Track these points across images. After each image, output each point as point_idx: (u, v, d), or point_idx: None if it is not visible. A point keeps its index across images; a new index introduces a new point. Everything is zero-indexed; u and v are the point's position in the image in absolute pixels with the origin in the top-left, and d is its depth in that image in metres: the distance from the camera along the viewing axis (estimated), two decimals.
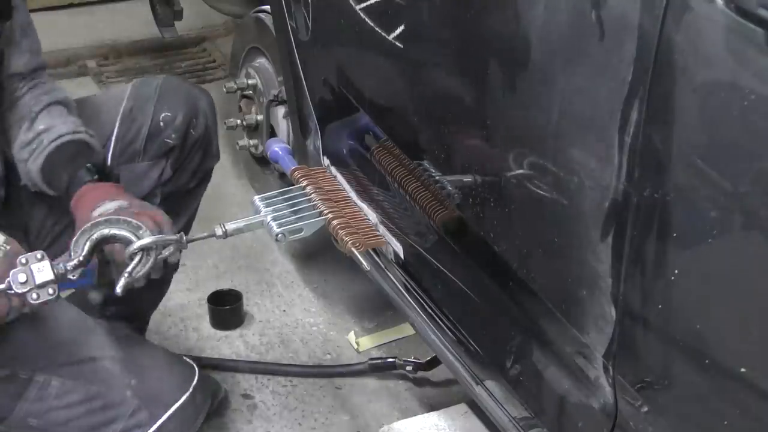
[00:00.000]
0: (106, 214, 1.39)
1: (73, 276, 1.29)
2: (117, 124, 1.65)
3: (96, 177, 1.54)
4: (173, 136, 1.67)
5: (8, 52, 1.56)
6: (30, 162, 1.52)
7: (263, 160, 2.43)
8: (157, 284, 1.83)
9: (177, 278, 1.95)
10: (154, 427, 1.49)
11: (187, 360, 1.62)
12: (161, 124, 1.67)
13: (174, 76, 1.88)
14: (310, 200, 1.61)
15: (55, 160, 1.52)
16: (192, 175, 1.74)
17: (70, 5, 3.61)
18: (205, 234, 1.42)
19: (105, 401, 1.48)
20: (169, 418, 1.50)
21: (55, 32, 3.11)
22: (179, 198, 1.73)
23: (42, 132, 1.52)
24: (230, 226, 1.43)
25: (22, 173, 1.54)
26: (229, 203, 2.56)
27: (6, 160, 1.56)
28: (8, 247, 1.32)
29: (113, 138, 1.65)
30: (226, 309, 2.20)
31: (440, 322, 1.58)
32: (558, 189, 1.20)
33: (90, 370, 1.47)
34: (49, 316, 1.47)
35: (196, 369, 1.59)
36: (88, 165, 1.54)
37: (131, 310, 1.82)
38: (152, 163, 1.67)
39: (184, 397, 1.52)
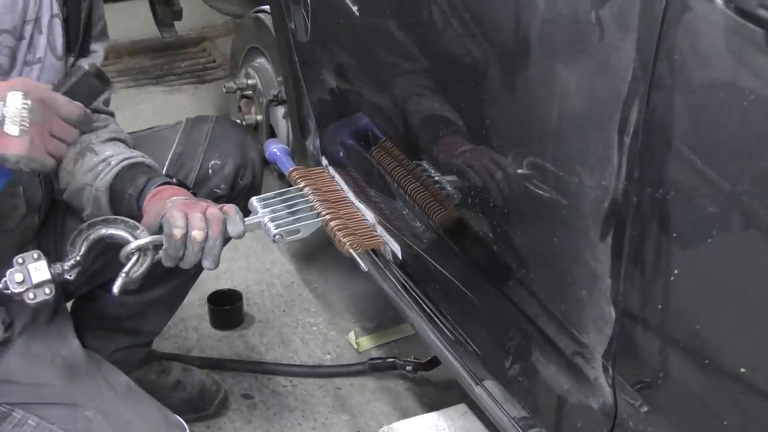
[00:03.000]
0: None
1: (71, 276, 1.29)
2: (165, 168, 1.60)
3: (172, 180, 1.50)
4: (222, 186, 1.64)
5: None
6: (98, 181, 1.48)
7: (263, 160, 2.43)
8: (174, 301, 1.83)
9: None
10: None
11: (180, 420, 1.54)
12: (210, 171, 1.64)
13: (226, 120, 1.83)
14: (307, 201, 1.61)
15: (125, 178, 1.47)
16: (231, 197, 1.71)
17: None
18: None
19: None
20: None
21: None
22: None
23: (109, 157, 1.49)
24: None
25: (85, 199, 1.50)
26: None
27: (50, 189, 1.55)
28: (30, 103, 1.24)
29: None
30: (226, 309, 2.20)
31: (439, 323, 1.58)
32: (557, 189, 1.20)
33: (70, 417, 1.43)
34: (50, 350, 1.46)
35: (187, 430, 1.53)
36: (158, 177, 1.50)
37: (145, 326, 1.82)
38: None
39: None
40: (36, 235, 1.56)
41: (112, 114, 1.61)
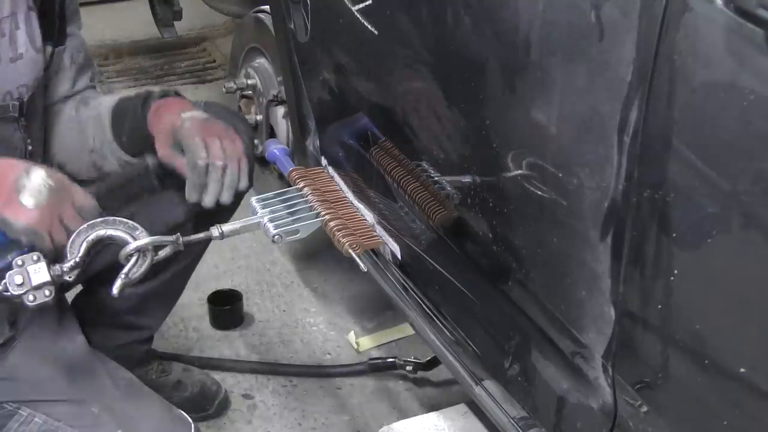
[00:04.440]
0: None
1: (70, 277, 1.29)
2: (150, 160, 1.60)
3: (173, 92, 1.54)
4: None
5: (55, 78, 1.56)
6: (102, 107, 1.53)
7: (262, 161, 2.43)
8: (170, 295, 1.83)
9: None
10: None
11: (184, 415, 1.56)
12: None
13: (214, 102, 1.85)
14: (307, 201, 1.60)
15: (125, 101, 1.53)
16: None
17: None
18: (202, 235, 1.42)
19: None
20: None
21: None
22: (208, 218, 1.71)
23: (112, 97, 1.55)
24: (227, 227, 1.43)
25: (89, 130, 1.54)
26: None
27: None
28: (52, 183, 1.29)
29: (150, 166, 1.62)
30: (226, 309, 2.20)
31: (439, 323, 1.58)
32: (557, 189, 1.19)
33: (76, 413, 1.44)
34: (54, 347, 1.46)
35: (192, 424, 1.55)
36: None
37: (143, 321, 1.82)
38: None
39: None
40: None
41: (92, 86, 1.63)
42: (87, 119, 1.56)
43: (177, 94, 1.54)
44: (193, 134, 1.42)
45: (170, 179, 1.51)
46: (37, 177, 1.26)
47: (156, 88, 1.58)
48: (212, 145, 1.41)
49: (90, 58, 1.64)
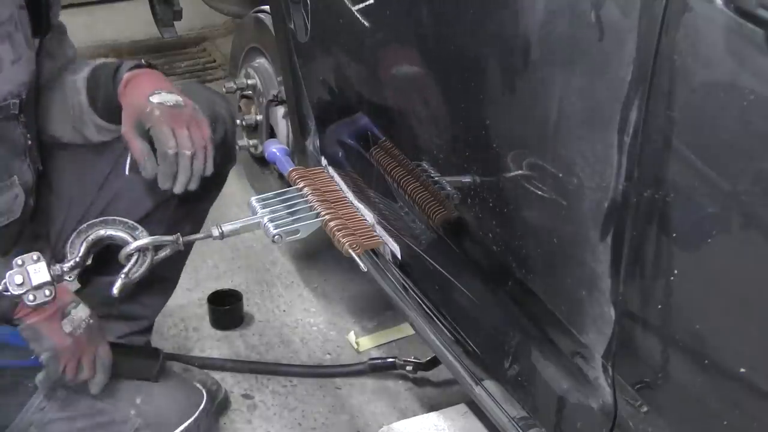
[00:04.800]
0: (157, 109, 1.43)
1: (70, 277, 1.29)
2: None
3: (143, 62, 1.57)
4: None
5: (44, 62, 1.58)
6: (78, 74, 1.56)
7: (263, 161, 2.43)
8: (164, 282, 1.83)
9: None
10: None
11: (197, 385, 1.62)
12: None
13: (195, 83, 1.88)
14: (307, 201, 1.60)
15: (100, 69, 1.56)
16: (207, 177, 1.73)
17: (70, 5, 3.60)
18: (202, 235, 1.42)
19: (108, 418, 1.47)
20: None
21: None
22: (193, 199, 1.72)
23: (89, 64, 1.58)
24: (227, 227, 1.43)
25: (68, 97, 1.57)
26: (228, 203, 2.56)
27: (36, 170, 1.57)
28: (92, 322, 1.41)
29: None
30: (226, 309, 2.19)
31: (439, 323, 1.58)
32: (557, 189, 1.19)
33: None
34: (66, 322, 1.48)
35: (204, 394, 1.59)
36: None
37: (138, 310, 1.83)
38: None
39: (188, 422, 1.52)
40: (31, 217, 1.58)
41: (63, 28, 1.65)
42: (67, 84, 1.58)
43: (149, 65, 1.56)
44: (161, 123, 1.45)
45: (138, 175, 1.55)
46: (83, 312, 1.40)
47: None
48: (180, 135, 1.44)
49: (71, 42, 1.68)
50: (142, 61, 1.57)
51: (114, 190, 1.64)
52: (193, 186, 1.47)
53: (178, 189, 1.46)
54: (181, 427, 1.51)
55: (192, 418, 1.52)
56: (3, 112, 1.43)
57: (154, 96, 1.46)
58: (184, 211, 1.65)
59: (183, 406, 1.54)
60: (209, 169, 1.48)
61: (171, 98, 1.47)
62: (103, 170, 1.64)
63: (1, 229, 1.48)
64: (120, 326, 1.81)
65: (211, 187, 1.74)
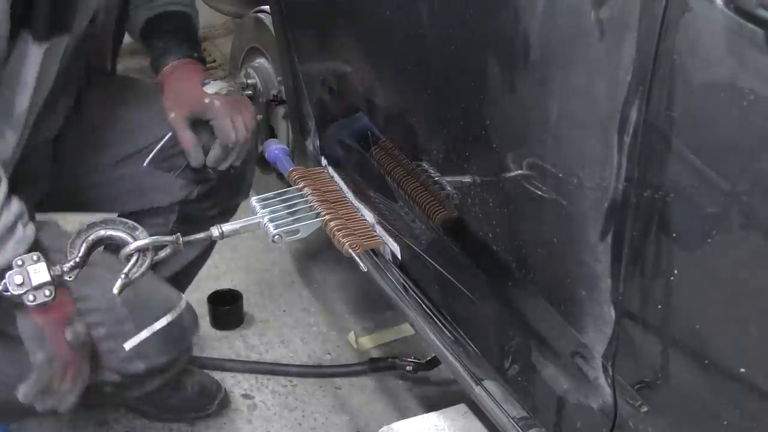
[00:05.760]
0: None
1: (70, 277, 1.29)
2: (172, 133, 1.67)
3: (195, 55, 1.66)
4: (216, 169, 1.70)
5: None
6: (141, 11, 1.65)
7: (263, 161, 2.43)
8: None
9: None
10: (137, 340, 1.46)
11: (174, 289, 1.61)
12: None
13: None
14: (307, 201, 1.61)
15: (164, 19, 1.66)
16: (215, 205, 1.75)
17: None
18: (202, 235, 1.42)
19: (93, 304, 1.45)
20: (154, 333, 1.48)
21: None
22: (197, 221, 1.73)
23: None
24: (227, 227, 1.43)
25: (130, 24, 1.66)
26: None
27: (55, 153, 1.61)
28: (86, 340, 1.41)
29: (165, 139, 1.66)
30: (226, 309, 2.20)
31: (439, 323, 1.58)
32: (557, 189, 1.19)
33: (84, 273, 1.43)
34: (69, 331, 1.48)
35: (184, 297, 1.59)
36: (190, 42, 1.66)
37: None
38: (185, 183, 1.68)
39: (171, 316, 1.51)
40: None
41: None
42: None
43: (195, 57, 1.67)
44: (224, 116, 1.59)
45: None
46: (83, 326, 1.39)
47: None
48: (237, 123, 1.60)
49: None
50: (192, 52, 1.66)
51: (126, 175, 1.65)
52: (237, 163, 1.64)
53: (224, 167, 1.62)
54: (165, 321, 1.49)
55: (175, 313, 1.51)
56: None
57: (208, 86, 1.57)
58: (185, 227, 1.67)
59: (167, 302, 1.52)
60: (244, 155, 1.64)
61: (223, 86, 1.59)
62: (127, 149, 1.66)
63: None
64: None
65: (218, 214, 1.77)
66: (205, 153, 1.64)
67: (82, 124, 1.66)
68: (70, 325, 1.37)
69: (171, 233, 1.63)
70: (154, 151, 1.66)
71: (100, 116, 1.67)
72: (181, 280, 1.87)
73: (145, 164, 1.65)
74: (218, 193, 1.74)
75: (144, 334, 1.46)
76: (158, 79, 1.65)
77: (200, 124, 1.64)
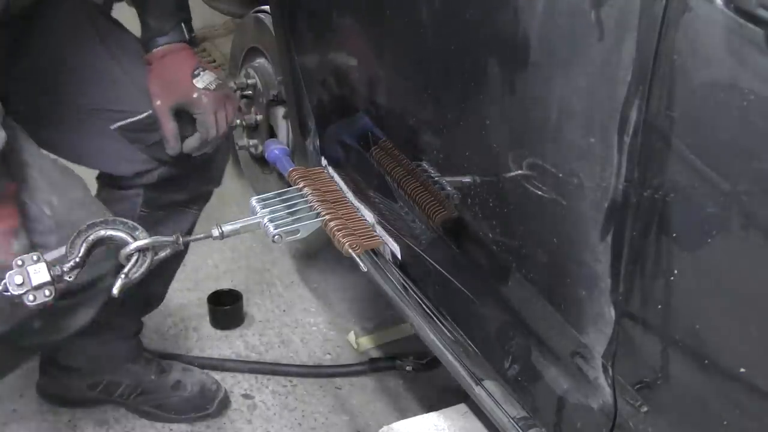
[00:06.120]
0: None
1: (70, 277, 1.29)
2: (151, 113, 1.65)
3: (188, 38, 1.64)
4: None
5: None
6: None
7: (263, 160, 2.43)
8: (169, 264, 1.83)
9: (177, 278, 1.96)
10: (58, 254, 1.37)
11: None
12: None
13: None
14: (307, 201, 1.60)
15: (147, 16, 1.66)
16: (183, 190, 1.74)
17: None
18: (202, 235, 1.42)
19: (21, 209, 1.39)
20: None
21: None
22: (166, 207, 1.72)
23: None
24: (227, 227, 1.43)
25: None
26: (228, 203, 2.56)
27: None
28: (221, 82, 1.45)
29: (142, 116, 1.64)
30: (226, 309, 2.20)
31: (439, 323, 1.58)
32: (557, 189, 1.19)
33: (16, 170, 1.40)
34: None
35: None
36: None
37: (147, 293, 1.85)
38: (147, 159, 1.67)
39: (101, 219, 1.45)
40: None
41: None
42: None
43: (188, 41, 1.64)
44: (209, 112, 1.59)
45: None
46: (24, 243, 1.34)
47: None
48: (220, 118, 1.61)
49: None
50: (186, 35, 1.64)
51: (93, 129, 1.64)
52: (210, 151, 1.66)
53: (198, 153, 1.64)
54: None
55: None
56: None
57: (198, 79, 1.57)
58: (157, 215, 1.70)
59: (94, 210, 1.47)
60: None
61: (212, 79, 1.59)
62: (103, 103, 1.63)
63: None
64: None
65: (188, 203, 1.78)
66: (182, 140, 1.64)
67: (66, 46, 1.62)
68: (15, 237, 1.32)
69: (139, 217, 1.64)
70: (128, 120, 1.63)
71: (85, 55, 1.63)
72: (162, 274, 1.86)
73: (113, 127, 1.63)
74: (186, 178, 1.73)
75: (64, 250, 1.37)
76: (147, 58, 1.63)
77: (183, 113, 1.62)
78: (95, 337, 1.80)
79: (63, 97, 1.62)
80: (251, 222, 1.48)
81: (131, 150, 1.65)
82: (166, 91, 1.58)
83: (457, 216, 1.47)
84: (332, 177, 1.77)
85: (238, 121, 2.41)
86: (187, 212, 1.79)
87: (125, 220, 1.35)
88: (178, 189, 1.73)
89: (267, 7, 2.28)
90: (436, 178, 1.50)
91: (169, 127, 1.60)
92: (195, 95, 1.58)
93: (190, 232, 1.78)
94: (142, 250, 1.32)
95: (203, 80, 1.60)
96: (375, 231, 1.65)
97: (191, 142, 1.63)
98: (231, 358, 2.10)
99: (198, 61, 1.62)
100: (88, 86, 1.63)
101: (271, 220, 1.50)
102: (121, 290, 1.32)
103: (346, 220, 1.62)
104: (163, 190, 1.71)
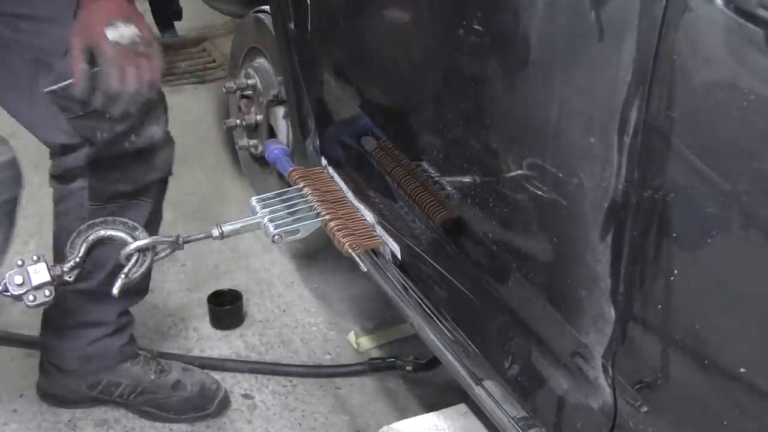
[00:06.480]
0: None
1: (70, 277, 1.29)
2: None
3: None
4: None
5: None
6: None
7: (263, 160, 2.43)
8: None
9: (177, 278, 1.96)
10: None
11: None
12: None
13: None
14: (307, 201, 1.61)
15: None
16: (125, 180, 1.69)
17: None
18: (202, 235, 1.42)
19: None
20: None
21: None
22: (111, 198, 1.68)
23: None
24: (227, 227, 1.43)
25: None
26: (228, 203, 2.56)
27: None
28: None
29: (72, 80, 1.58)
30: (226, 309, 2.19)
31: (439, 323, 1.58)
32: (557, 189, 1.19)
33: None
34: None
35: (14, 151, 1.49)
36: None
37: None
38: (72, 132, 1.62)
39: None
40: None
41: None
42: None
43: None
44: (111, 64, 1.48)
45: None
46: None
47: None
48: (129, 74, 1.49)
49: None
50: None
51: (26, 87, 1.61)
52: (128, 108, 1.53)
53: (113, 112, 1.52)
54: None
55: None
56: None
57: (111, 29, 1.46)
58: (104, 207, 1.63)
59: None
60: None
61: (128, 33, 1.48)
62: (41, 56, 1.59)
63: None
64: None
65: (134, 192, 1.70)
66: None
67: None
68: None
69: (88, 211, 1.59)
70: (58, 85, 1.58)
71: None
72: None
73: (45, 90, 1.58)
74: (124, 166, 1.68)
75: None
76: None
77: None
78: (80, 339, 1.80)
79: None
80: (251, 222, 1.48)
81: (58, 118, 1.60)
82: (80, 32, 1.51)
83: (457, 216, 1.47)
84: (332, 177, 1.77)
85: (237, 121, 2.42)
86: (140, 204, 1.72)
87: (125, 220, 1.35)
88: (120, 178, 1.68)
89: (267, 7, 2.28)
90: (436, 178, 1.50)
91: (79, 67, 1.51)
92: (101, 44, 1.49)
93: (147, 225, 1.72)
94: (142, 250, 1.32)
95: (116, 32, 1.50)
96: (375, 231, 1.65)
97: (96, 96, 1.52)
98: (231, 358, 2.10)
99: (126, 12, 1.52)
100: (40, 38, 1.58)
101: (271, 220, 1.51)
102: (121, 290, 1.32)
103: (346, 220, 1.62)
104: (105, 180, 1.66)
